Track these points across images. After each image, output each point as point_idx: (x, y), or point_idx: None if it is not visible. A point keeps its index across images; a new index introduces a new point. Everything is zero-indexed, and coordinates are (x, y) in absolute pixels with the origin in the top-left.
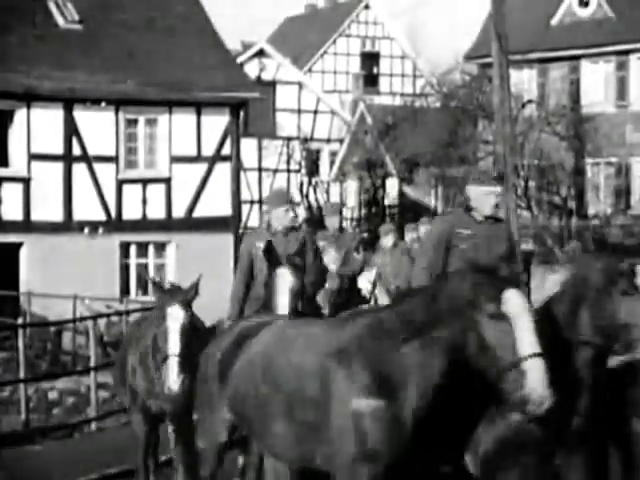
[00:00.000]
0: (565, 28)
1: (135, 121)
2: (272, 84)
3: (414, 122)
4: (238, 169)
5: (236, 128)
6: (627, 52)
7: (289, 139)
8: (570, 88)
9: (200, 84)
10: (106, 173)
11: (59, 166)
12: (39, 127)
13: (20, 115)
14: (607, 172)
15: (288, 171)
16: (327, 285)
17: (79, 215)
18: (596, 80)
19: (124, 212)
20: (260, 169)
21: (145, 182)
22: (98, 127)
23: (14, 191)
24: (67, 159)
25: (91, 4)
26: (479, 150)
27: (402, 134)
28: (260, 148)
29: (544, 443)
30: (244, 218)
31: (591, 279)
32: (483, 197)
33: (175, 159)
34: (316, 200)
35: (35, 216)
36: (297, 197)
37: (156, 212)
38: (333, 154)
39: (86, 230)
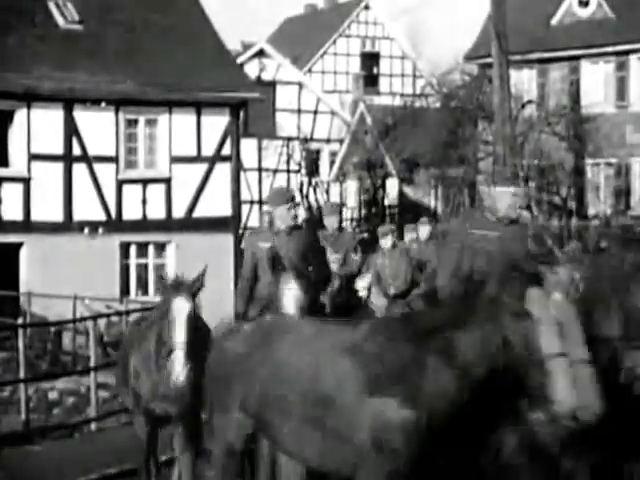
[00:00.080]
0: (565, 28)
1: (135, 121)
2: (272, 84)
3: (414, 122)
4: (238, 169)
5: (236, 128)
6: (627, 52)
7: (289, 139)
8: (570, 88)
9: (200, 84)
10: (106, 173)
11: (59, 166)
12: (39, 127)
13: (20, 115)
14: (607, 172)
15: (288, 171)
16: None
17: (79, 215)
18: (596, 80)
19: (124, 212)
20: (260, 169)
21: (145, 182)
22: (98, 127)
23: (14, 191)
24: (67, 159)
25: (91, 4)
26: (479, 150)
27: (402, 134)
28: (260, 148)
29: (568, 444)
30: (244, 218)
31: (615, 274)
32: (499, 198)
33: (175, 159)
34: (316, 200)
35: (35, 216)
36: (297, 197)
37: (156, 212)
38: (333, 154)
39: (86, 230)
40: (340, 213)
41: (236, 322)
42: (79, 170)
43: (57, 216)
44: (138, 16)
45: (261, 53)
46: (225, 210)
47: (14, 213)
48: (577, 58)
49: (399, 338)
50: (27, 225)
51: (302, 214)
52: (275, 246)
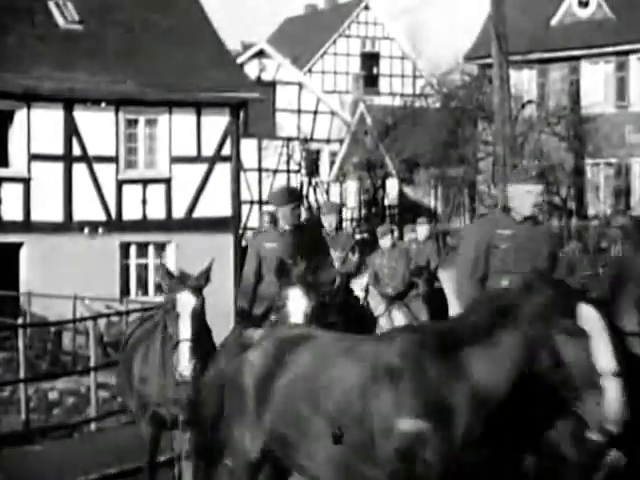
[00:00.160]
0: (565, 29)
1: (135, 121)
2: (272, 84)
3: (414, 122)
4: (238, 169)
5: (236, 128)
6: (627, 53)
7: (289, 139)
8: (570, 89)
9: (200, 84)
10: (106, 173)
11: (59, 166)
12: (39, 127)
13: (20, 115)
14: (607, 173)
15: (288, 171)
16: None
17: (79, 215)
18: (596, 81)
19: (124, 212)
20: (260, 169)
21: (145, 182)
22: (98, 127)
23: (14, 191)
24: (67, 159)
25: (91, 4)
26: (479, 150)
27: (402, 134)
28: (260, 148)
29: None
30: (244, 218)
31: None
32: (523, 196)
33: (175, 159)
34: (316, 201)
35: (35, 216)
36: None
37: (156, 212)
38: (333, 154)
39: (86, 230)
40: (339, 212)
41: (237, 323)
42: (79, 170)
43: (57, 216)
44: (138, 16)
45: (261, 53)
46: (225, 210)
47: (14, 213)
48: (577, 58)
49: (435, 356)
50: (27, 225)
51: (302, 214)
52: (281, 251)
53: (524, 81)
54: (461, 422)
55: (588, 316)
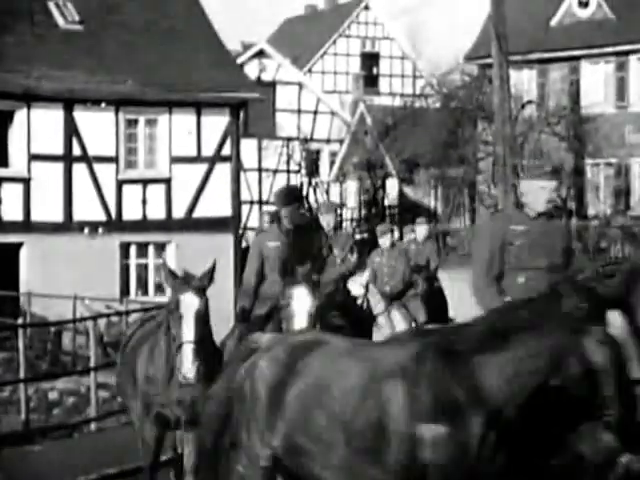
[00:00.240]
0: (565, 29)
1: (135, 121)
2: (272, 84)
3: (414, 123)
4: (238, 169)
5: (236, 128)
6: (627, 53)
7: (289, 139)
8: (570, 89)
9: (200, 84)
10: (106, 173)
11: (59, 166)
12: (39, 127)
13: (20, 115)
14: (607, 173)
15: (288, 171)
16: None
17: (79, 215)
18: (596, 81)
19: (124, 212)
20: (260, 169)
21: (145, 182)
22: (98, 127)
23: (14, 191)
24: (67, 159)
25: (91, 4)
26: (479, 151)
27: (402, 135)
28: (260, 148)
29: None
30: (244, 218)
31: None
32: (537, 192)
33: (175, 159)
34: (316, 201)
35: (35, 216)
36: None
37: (156, 212)
38: (333, 154)
39: (86, 230)
40: (336, 212)
41: (238, 322)
42: (79, 170)
43: (57, 216)
44: (138, 16)
45: (261, 53)
46: (225, 210)
47: (14, 213)
48: (577, 58)
49: (452, 361)
50: (27, 225)
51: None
52: (284, 250)
53: (524, 81)
54: (477, 429)
55: (617, 323)
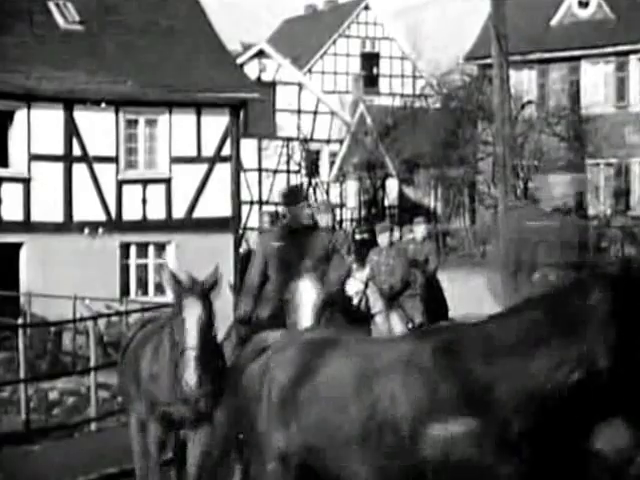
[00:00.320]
0: (565, 29)
1: (135, 121)
2: (272, 85)
3: (414, 123)
4: (238, 170)
5: (236, 129)
6: (627, 53)
7: (289, 140)
8: (570, 89)
9: (200, 84)
10: (106, 173)
11: (59, 166)
12: (39, 127)
13: (20, 115)
14: (607, 173)
15: (288, 172)
16: None
17: (79, 215)
18: (596, 81)
19: (124, 212)
20: (260, 170)
21: (145, 182)
22: (98, 127)
23: (14, 191)
24: (67, 159)
25: (91, 4)
26: (479, 151)
27: (402, 135)
28: (260, 149)
29: None
30: (244, 218)
31: None
32: (550, 187)
33: (175, 159)
34: (316, 201)
35: (35, 216)
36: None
37: (156, 212)
38: (333, 155)
39: (86, 230)
40: (333, 211)
41: (237, 322)
42: (79, 170)
43: (57, 216)
44: (138, 16)
45: (261, 53)
46: (225, 210)
47: (14, 213)
48: (577, 58)
49: (473, 358)
50: (27, 225)
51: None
52: (288, 250)
53: (524, 81)
54: (500, 425)
55: None
